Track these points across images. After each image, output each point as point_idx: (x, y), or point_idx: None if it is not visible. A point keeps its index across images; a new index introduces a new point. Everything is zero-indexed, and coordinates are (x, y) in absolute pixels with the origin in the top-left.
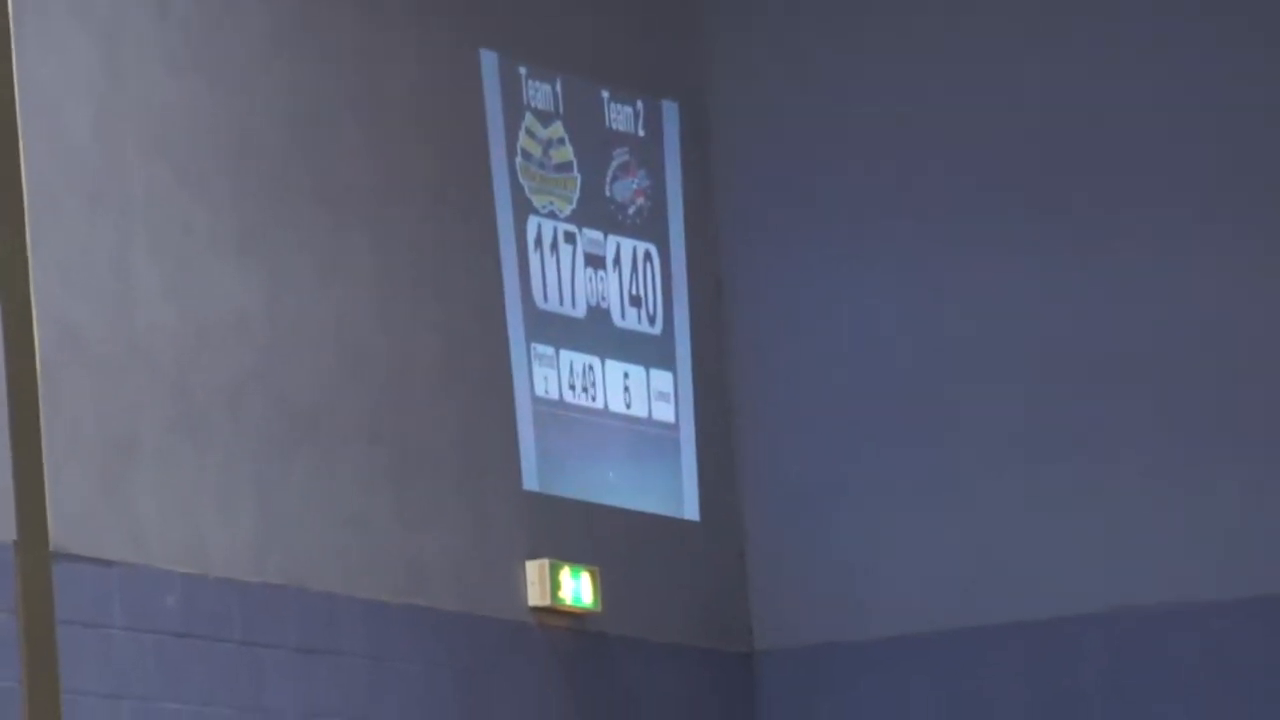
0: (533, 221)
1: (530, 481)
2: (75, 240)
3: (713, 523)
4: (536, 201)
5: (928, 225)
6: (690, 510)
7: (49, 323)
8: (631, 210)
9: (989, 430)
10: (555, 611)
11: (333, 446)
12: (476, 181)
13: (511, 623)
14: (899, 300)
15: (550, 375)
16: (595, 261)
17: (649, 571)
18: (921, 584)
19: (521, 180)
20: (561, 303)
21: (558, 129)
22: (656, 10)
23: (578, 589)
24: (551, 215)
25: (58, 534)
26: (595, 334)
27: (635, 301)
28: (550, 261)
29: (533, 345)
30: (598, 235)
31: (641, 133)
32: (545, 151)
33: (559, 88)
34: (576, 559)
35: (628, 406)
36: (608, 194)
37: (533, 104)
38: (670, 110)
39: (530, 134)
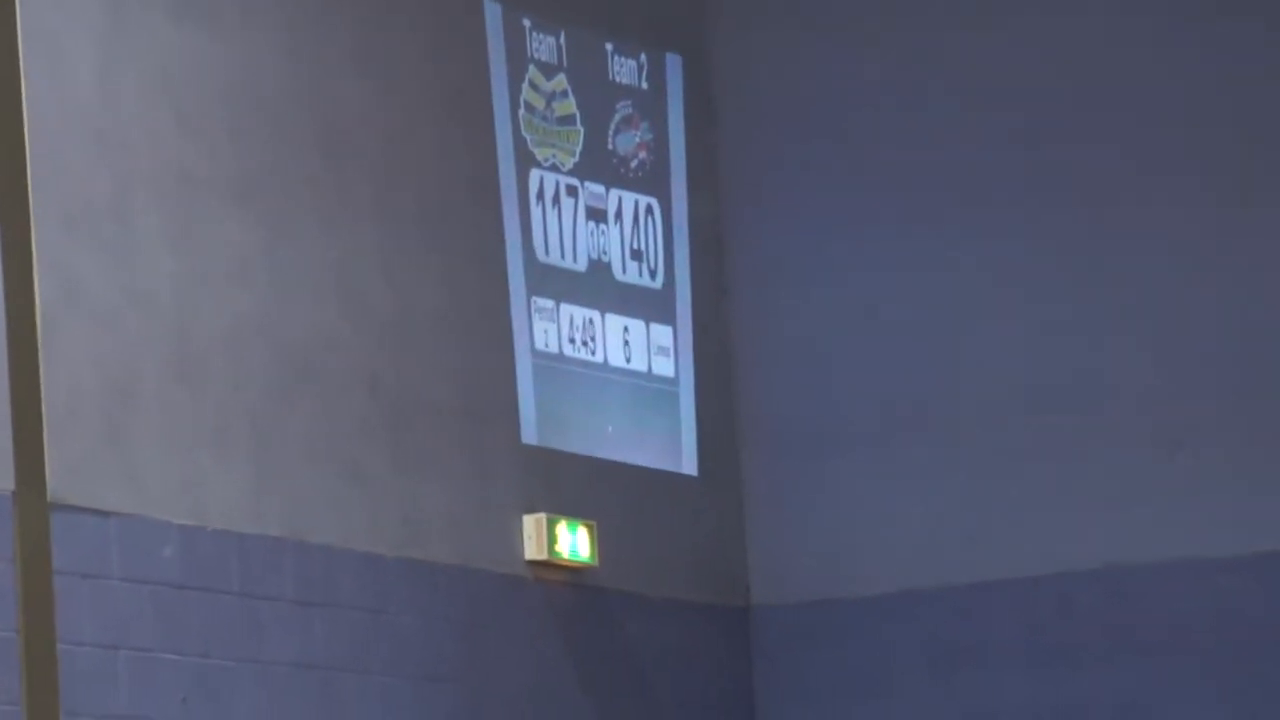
0: (535, 174)
1: (529, 435)
2: (75, 187)
3: (711, 478)
4: (539, 154)
5: (930, 179)
6: (689, 465)
7: (48, 270)
8: (634, 164)
9: (988, 385)
10: (552, 565)
11: (332, 398)
12: (479, 133)
13: (508, 576)
14: (900, 255)
15: (550, 329)
16: (597, 215)
17: (647, 526)
18: (920, 540)
19: (524, 133)
20: (563, 256)
21: (561, 81)
22: None
23: (575, 543)
24: (554, 168)
25: (55, 484)
26: (596, 288)
27: (636, 255)
28: (552, 215)
29: (533, 298)
30: (599, 189)
31: (645, 86)
32: (548, 104)
33: (563, 40)
34: (574, 513)
35: (627, 361)
36: (610, 147)
37: (536, 56)
38: (674, 64)
39: (534, 86)
